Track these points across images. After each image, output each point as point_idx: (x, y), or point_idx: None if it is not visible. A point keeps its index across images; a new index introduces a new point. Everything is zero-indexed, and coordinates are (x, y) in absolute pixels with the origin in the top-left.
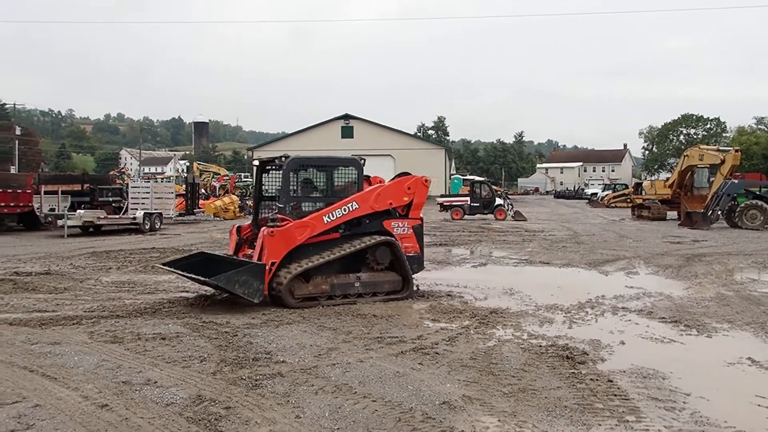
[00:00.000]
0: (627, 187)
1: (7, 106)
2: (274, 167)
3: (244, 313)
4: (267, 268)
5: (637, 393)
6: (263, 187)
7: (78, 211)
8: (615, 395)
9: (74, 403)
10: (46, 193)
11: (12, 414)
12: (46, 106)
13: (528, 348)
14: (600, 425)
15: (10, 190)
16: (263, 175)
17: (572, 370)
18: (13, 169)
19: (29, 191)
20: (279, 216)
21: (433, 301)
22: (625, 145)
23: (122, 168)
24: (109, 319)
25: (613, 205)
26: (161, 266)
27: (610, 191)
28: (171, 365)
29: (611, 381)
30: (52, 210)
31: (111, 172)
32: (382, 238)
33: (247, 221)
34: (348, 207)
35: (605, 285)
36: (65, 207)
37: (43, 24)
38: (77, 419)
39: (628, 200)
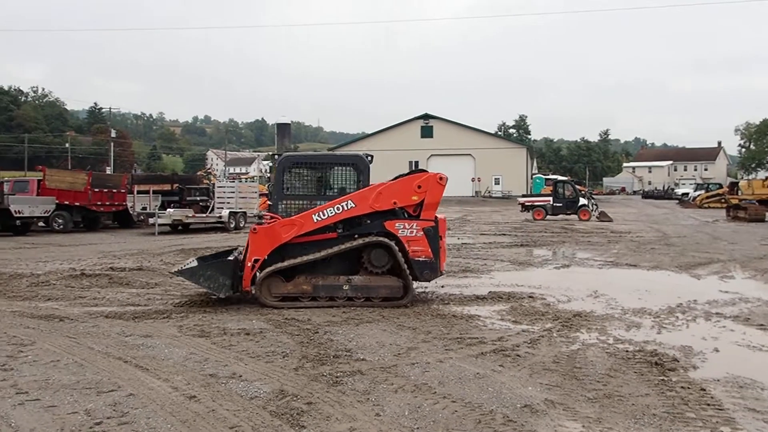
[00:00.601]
0: (721, 186)
1: (103, 110)
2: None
3: (325, 310)
4: (249, 265)
5: (732, 403)
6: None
7: (168, 209)
8: (708, 405)
9: (165, 393)
10: (138, 192)
11: (108, 402)
12: (138, 109)
13: (614, 353)
14: None
15: (106, 190)
16: None
17: (661, 377)
18: (109, 170)
19: (123, 191)
20: (267, 213)
21: (514, 302)
22: (719, 143)
23: (209, 168)
24: (196, 314)
25: (705, 205)
26: (180, 269)
27: (702, 191)
28: (255, 360)
29: (704, 389)
30: (144, 209)
31: (198, 173)
32: (376, 239)
33: None
34: (342, 206)
35: (697, 289)
36: (156, 206)
37: (138, 31)
38: (167, 409)
39: (723, 200)
